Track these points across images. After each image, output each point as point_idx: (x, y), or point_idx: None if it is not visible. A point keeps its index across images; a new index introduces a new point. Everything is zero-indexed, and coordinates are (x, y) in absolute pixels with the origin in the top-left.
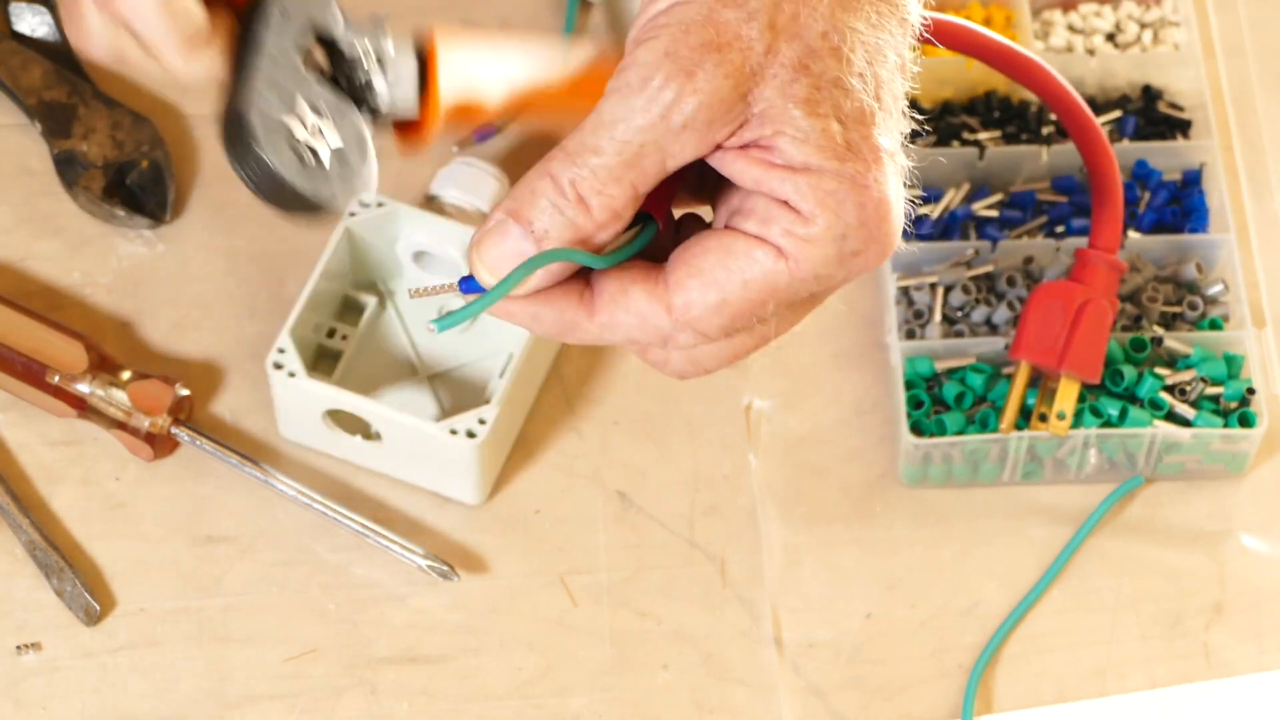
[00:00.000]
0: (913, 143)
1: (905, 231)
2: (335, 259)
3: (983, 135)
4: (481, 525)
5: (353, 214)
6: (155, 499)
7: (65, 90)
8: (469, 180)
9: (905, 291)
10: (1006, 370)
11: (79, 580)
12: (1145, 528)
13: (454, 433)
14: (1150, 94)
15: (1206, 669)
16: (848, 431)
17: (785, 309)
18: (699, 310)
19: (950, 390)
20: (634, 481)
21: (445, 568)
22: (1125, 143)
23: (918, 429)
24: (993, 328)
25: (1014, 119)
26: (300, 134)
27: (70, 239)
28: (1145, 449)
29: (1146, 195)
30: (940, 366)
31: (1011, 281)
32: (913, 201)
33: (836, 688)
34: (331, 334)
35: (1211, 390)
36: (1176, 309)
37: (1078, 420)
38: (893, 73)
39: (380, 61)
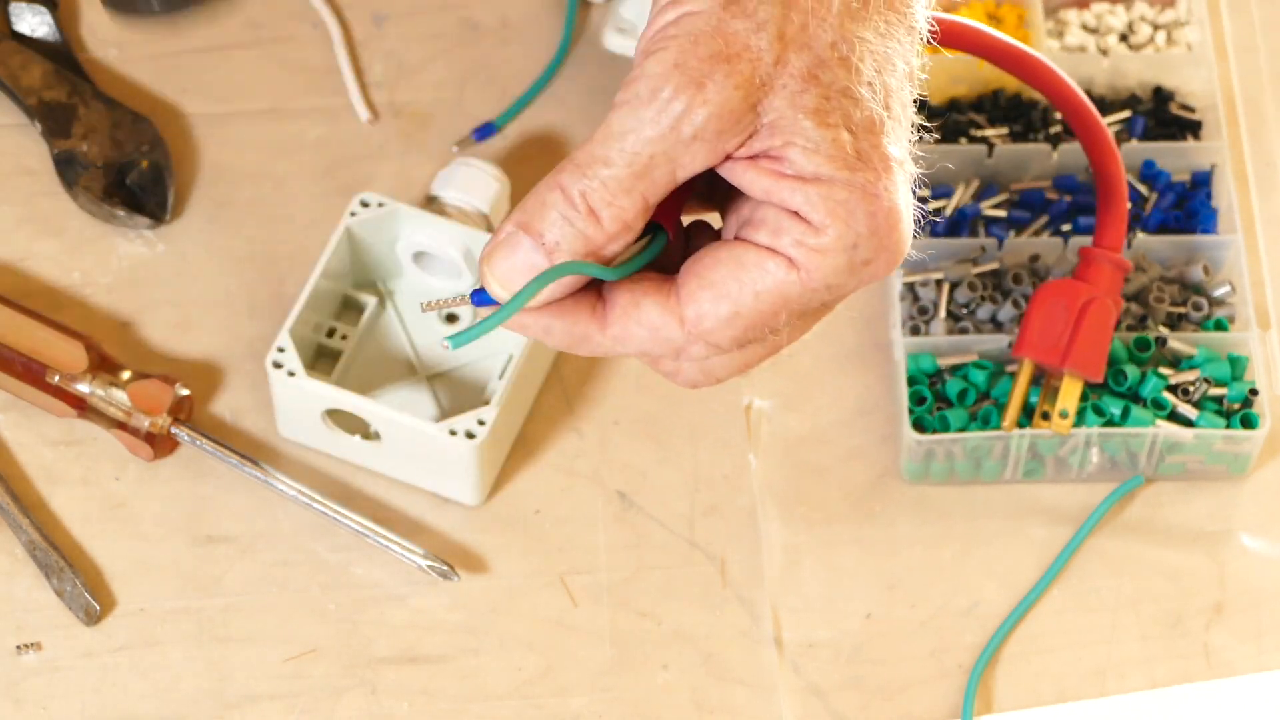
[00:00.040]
0: (920, 140)
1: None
2: (335, 259)
3: (989, 132)
4: (481, 525)
5: (353, 214)
6: (155, 499)
7: (65, 90)
8: (469, 180)
9: (911, 288)
10: (1010, 368)
11: (79, 580)
12: (1145, 528)
13: (453, 433)
14: (1161, 95)
15: (1206, 669)
16: (848, 431)
17: (797, 318)
18: (711, 322)
19: (953, 387)
20: (634, 481)
21: (445, 568)
22: (1134, 143)
23: (920, 425)
24: (998, 325)
25: (1021, 117)
26: None
27: (70, 239)
28: (1147, 449)
29: (1154, 196)
30: (943, 363)
31: (1017, 279)
32: (922, 207)
33: (836, 688)
34: (331, 334)
35: (1215, 391)
36: (1181, 309)
37: (1080, 419)
38: (901, 81)
39: None
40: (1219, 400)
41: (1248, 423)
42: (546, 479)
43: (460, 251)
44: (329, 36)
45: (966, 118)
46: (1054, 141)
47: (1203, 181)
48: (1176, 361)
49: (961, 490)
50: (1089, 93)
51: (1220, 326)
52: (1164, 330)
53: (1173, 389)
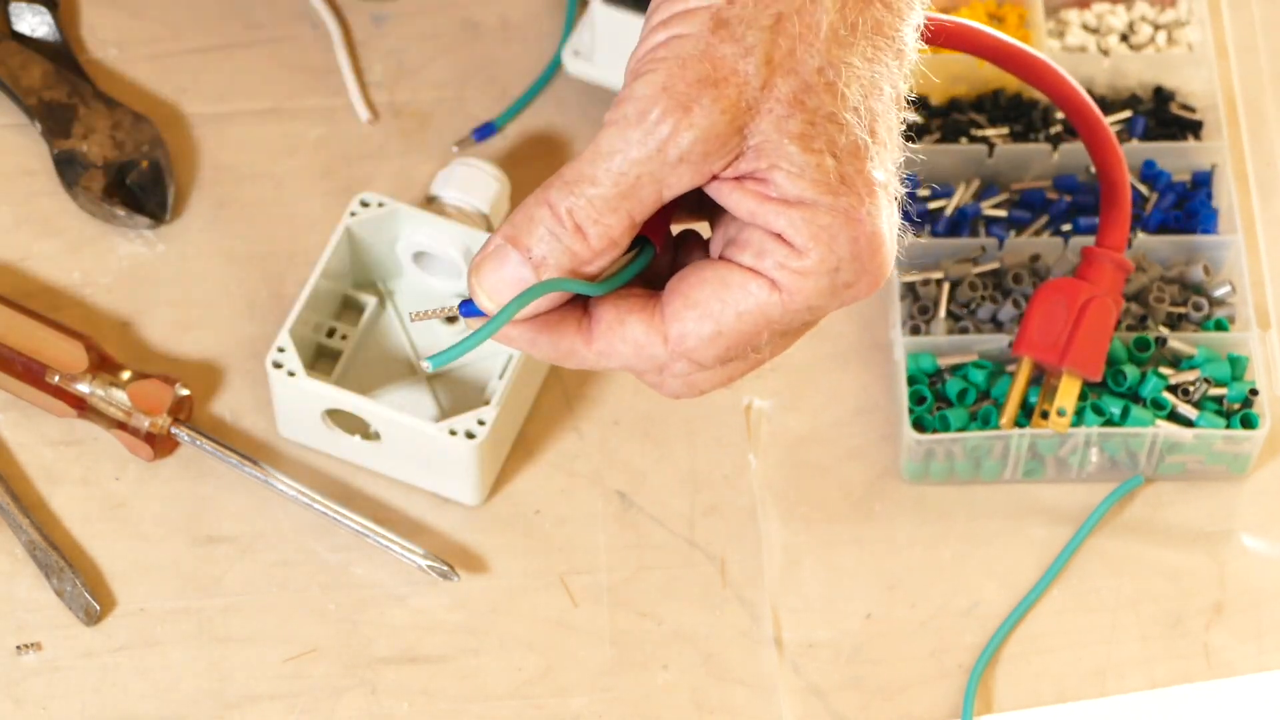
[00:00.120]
0: (919, 140)
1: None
2: (335, 259)
3: (990, 132)
4: (481, 525)
5: (353, 214)
6: (155, 499)
7: (65, 90)
8: (469, 180)
9: (911, 288)
10: (1010, 368)
11: (79, 580)
12: (1145, 528)
13: (453, 433)
14: (1162, 95)
15: (1206, 669)
16: (848, 431)
17: (779, 336)
18: (694, 341)
19: (953, 386)
20: (634, 481)
21: (445, 568)
22: (1134, 143)
23: (920, 425)
24: (998, 325)
25: (1022, 117)
26: None
27: (70, 239)
28: (1147, 449)
29: (1154, 196)
30: (943, 363)
31: (1018, 279)
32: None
33: (836, 688)
34: (331, 333)
35: (1215, 391)
36: (1181, 309)
37: (1079, 418)
38: (888, 105)
39: None
40: (1219, 400)
41: (1248, 423)
42: (546, 479)
43: (460, 251)
44: (329, 37)
45: (967, 118)
46: (1054, 141)
47: (1203, 181)
48: (1176, 361)
49: (961, 490)
50: (1090, 93)
51: (1220, 326)
52: (1164, 330)
53: (1173, 389)
